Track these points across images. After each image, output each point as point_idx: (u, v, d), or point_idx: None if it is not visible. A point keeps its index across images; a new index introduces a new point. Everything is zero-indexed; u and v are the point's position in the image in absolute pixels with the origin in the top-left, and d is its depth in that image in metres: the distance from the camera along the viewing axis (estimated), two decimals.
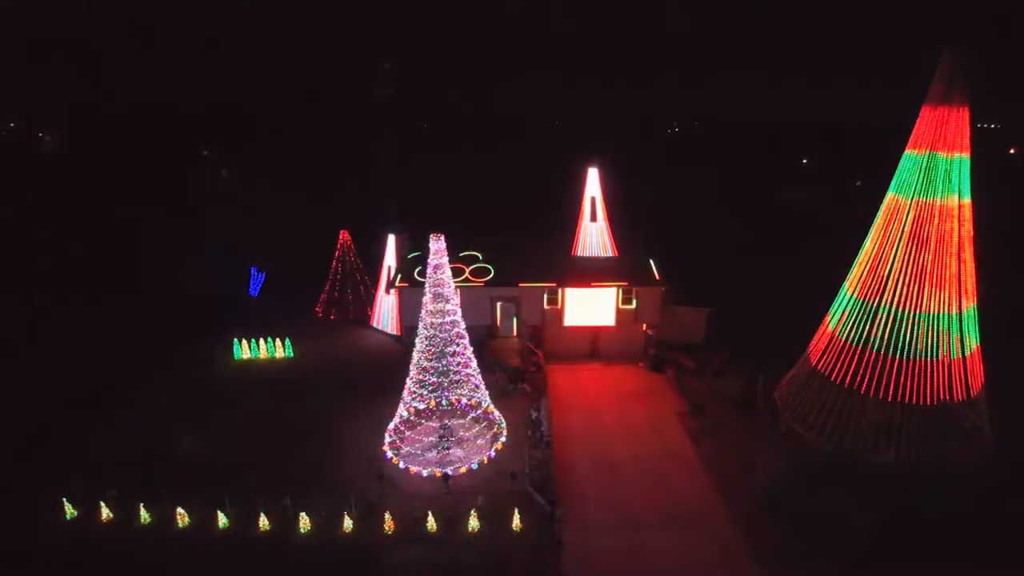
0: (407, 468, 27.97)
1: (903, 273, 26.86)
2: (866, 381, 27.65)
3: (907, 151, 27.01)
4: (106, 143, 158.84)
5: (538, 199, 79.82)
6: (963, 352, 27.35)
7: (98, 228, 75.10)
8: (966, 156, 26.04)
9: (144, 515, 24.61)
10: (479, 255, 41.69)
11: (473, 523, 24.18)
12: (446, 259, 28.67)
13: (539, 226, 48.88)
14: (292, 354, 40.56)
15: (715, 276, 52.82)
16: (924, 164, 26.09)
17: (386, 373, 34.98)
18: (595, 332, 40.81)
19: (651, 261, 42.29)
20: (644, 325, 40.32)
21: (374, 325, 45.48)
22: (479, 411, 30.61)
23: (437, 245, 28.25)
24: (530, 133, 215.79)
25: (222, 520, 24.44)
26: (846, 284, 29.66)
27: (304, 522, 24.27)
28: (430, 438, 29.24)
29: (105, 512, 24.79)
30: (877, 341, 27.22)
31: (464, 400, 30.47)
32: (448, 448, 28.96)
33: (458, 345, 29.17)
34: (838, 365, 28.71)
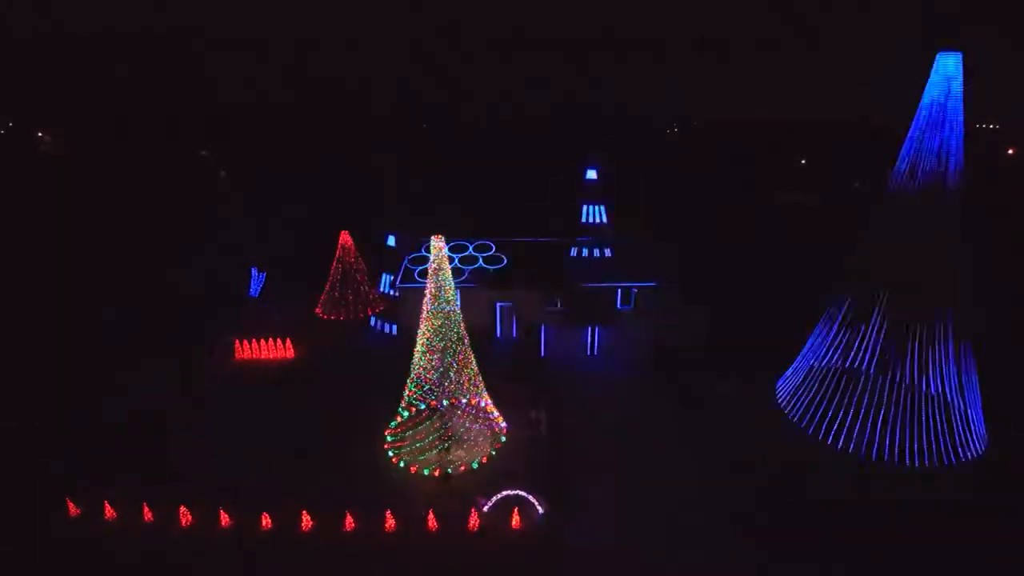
0: (408, 468, 28.19)
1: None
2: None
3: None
4: (104, 143, 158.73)
5: (536, 199, 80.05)
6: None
7: (96, 229, 75.22)
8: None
9: (147, 514, 24.76)
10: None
11: (473, 522, 24.39)
12: (447, 260, 28.84)
13: (538, 227, 49.04)
14: (292, 354, 40.77)
15: (715, 275, 53.14)
16: None
17: (386, 373, 35.14)
18: (594, 332, 41.01)
19: (651, 261, 42.50)
20: (644, 325, 40.53)
21: (373, 325, 45.70)
22: (479, 411, 30.80)
23: (438, 246, 28.44)
24: (528, 133, 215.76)
25: (224, 519, 24.62)
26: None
27: (306, 520, 24.47)
28: (430, 438, 29.43)
29: (108, 511, 24.95)
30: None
31: (464, 400, 30.67)
32: (448, 448, 29.15)
33: (458, 345, 29.37)
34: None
